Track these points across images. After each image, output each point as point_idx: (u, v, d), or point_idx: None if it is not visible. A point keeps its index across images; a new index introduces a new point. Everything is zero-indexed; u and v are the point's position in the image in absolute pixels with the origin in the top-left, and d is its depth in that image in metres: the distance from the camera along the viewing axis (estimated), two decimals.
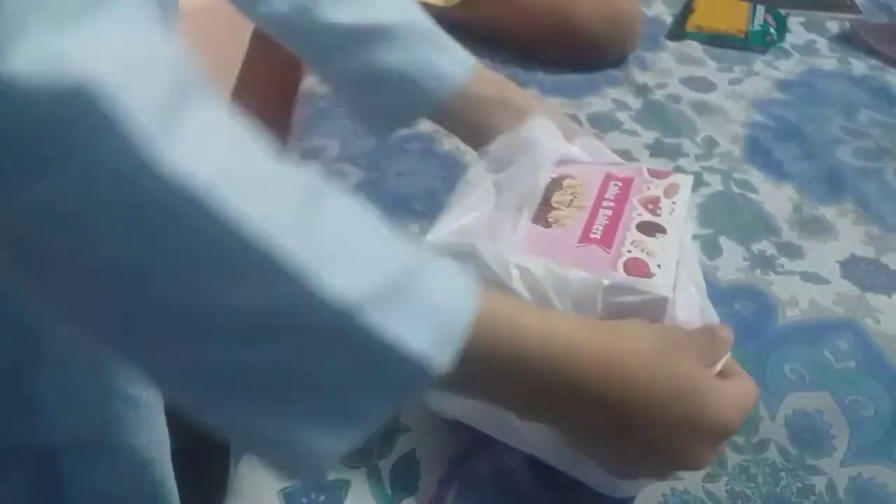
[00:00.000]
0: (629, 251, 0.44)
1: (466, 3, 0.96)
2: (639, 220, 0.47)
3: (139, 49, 0.27)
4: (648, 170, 0.52)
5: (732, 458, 0.50)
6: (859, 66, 1.00)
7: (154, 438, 0.57)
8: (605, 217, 0.47)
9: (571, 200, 0.48)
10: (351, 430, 0.31)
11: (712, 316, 0.48)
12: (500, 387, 0.36)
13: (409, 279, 0.31)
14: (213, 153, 0.28)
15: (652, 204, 0.48)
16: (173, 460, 0.59)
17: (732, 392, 0.41)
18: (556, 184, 0.50)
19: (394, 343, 0.29)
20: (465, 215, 0.46)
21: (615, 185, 0.50)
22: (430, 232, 0.46)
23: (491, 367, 0.34)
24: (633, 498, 0.48)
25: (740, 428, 0.41)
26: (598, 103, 0.89)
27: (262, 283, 0.28)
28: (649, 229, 0.46)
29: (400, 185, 0.73)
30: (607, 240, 0.45)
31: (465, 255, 0.42)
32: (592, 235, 0.46)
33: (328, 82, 0.58)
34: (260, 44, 1.22)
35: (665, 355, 0.38)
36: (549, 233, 0.46)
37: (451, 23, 1.00)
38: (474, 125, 0.57)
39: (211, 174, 0.27)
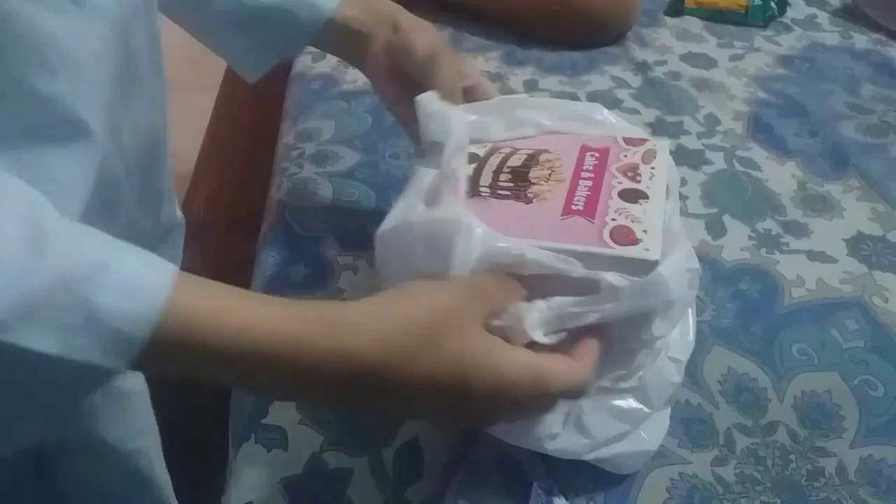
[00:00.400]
0: (613, 219, 0.44)
1: None
2: (620, 188, 0.47)
3: None
4: (623, 138, 0.51)
5: (741, 441, 0.50)
6: (861, 39, 0.99)
7: (137, 429, 0.56)
8: (586, 188, 0.47)
9: (550, 174, 0.48)
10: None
11: (694, 273, 0.47)
12: (207, 373, 0.34)
13: (62, 294, 0.30)
14: None
15: (631, 171, 0.48)
16: (167, 450, 0.58)
17: (517, 360, 0.38)
18: (532, 159, 0.49)
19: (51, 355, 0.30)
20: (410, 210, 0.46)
21: (592, 155, 0.50)
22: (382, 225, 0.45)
23: (188, 357, 0.33)
24: (636, 473, 0.47)
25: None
26: (598, 81, 0.87)
27: None
28: (631, 196, 0.46)
29: (395, 167, 0.71)
30: (590, 210, 0.45)
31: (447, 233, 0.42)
32: (575, 207, 0.45)
33: (198, 28, 0.57)
34: None
35: (418, 344, 0.36)
36: (531, 208, 0.45)
37: (449, 2, 0.99)
38: (347, 48, 0.57)
39: None
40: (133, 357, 0.31)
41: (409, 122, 0.56)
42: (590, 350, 0.40)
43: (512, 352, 0.38)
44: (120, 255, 0.32)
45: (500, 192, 0.46)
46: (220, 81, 1.06)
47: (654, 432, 0.48)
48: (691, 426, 0.50)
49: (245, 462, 0.47)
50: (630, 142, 0.51)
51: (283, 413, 0.49)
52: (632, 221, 0.44)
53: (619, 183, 0.47)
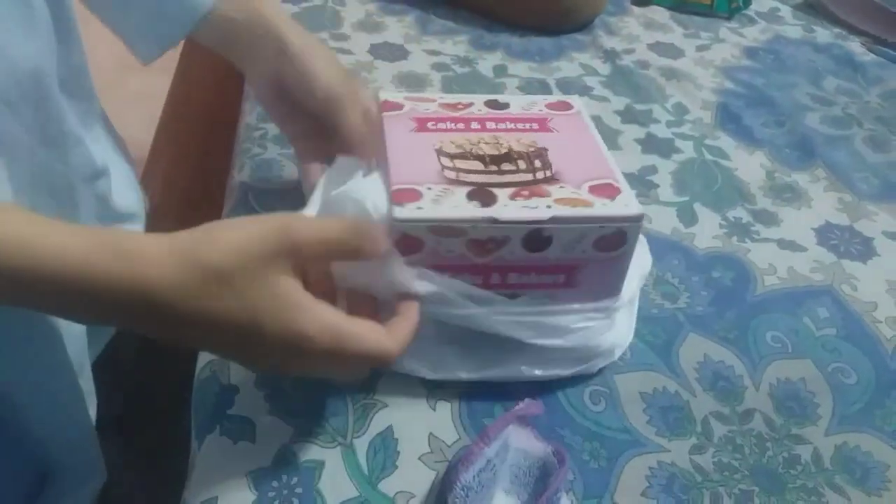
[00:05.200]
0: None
1: None
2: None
3: None
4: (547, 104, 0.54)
5: (718, 429, 0.49)
6: (823, 33, 1.00)
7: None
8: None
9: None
10: None
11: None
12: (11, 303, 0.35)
13: None
14: None
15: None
16: (128, 442, 0.55)
17: (313, 321, 0.37)
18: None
19: None
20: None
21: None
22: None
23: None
24: (615, 462, 0.47)
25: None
26: (567, 68, 0.86)
27: None
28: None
29: None
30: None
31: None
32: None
33: (87, 3, 0.54)
34: None
35: (221, 282, 0.36)
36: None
37: None
38: (230, 50, 0.55)
39: None
40: None
41: (298, 138, 0.56)
42: (405, 323, 0.41)
43: (313, 309, 0.38)
44: None
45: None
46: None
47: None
48: (669, 413, 0.49)
49: (209, 454, 0.45)
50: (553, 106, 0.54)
51: (250, 403, 0.47)
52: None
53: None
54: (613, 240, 0.45)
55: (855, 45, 0.98)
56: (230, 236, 0.37)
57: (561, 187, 0.45)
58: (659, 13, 1.01)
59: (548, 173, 0.46)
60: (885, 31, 0.99)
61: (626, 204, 0.44)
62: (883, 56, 0.96)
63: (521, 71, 0.85)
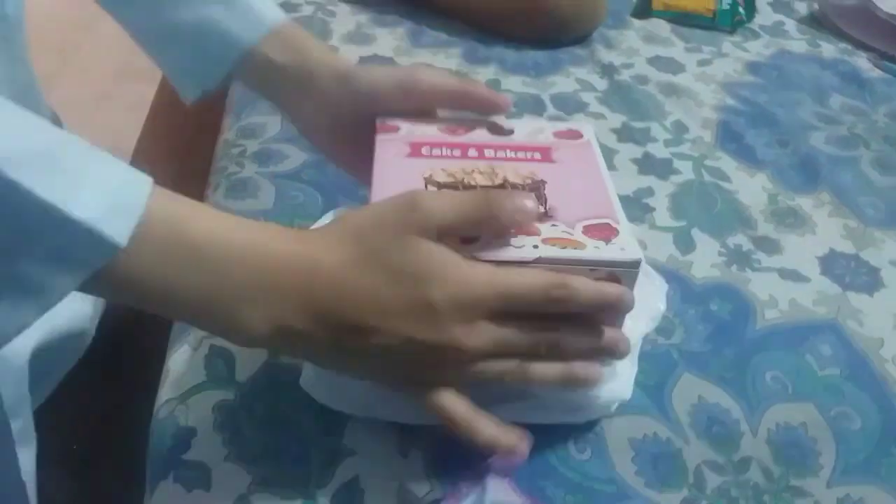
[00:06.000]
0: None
1: None
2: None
3: None
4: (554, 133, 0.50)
5: (712, 480, 0.46)
6: (829, 48, 0.97)
7: None
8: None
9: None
10: (27, 303, 0.31)
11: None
12: (181, 278, 0.34)
13: (66, 150, 0.31)
14: None
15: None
16: (81, 488, 0.52)
17: (477, 272, 0.37)
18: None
19: (50, 204, 0.29)
20: None
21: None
22: None
23: (169, 250, 0.33)
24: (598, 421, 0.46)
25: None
26: (562, 83, 0.83)
27: None
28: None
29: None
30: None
31: None
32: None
33: (131, 35, 0.54)
34: None
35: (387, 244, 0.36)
36: None
37: None
38: (273, 93, 0.54)
39: None
40: (131, 224, 0.31)
41: (356, 167, 0.54)
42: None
43: (474, 264, 0.37)
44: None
45: None
46: None
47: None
48: (660, 462, 0.46)
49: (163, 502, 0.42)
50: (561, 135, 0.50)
51: (206, 448, 0.43)
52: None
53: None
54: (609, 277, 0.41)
55: (861, 61, 0.94)
56: (364, 213, 0.38)
57: (553, 225, 0.41)
58: (660, 26, 0.98)
59: (541, 209, 0.43)
60: (893, 46, 0.96)
61: (623, 248, 0.40)
62: (890, 72, 0.92)
63: (514, 86, 0.82)
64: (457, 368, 0.38)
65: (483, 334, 0.37)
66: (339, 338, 0.36)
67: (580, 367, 0.40)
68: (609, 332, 0.41)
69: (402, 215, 0.37)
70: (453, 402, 0.39)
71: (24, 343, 0.51)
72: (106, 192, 0.31)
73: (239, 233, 0.35)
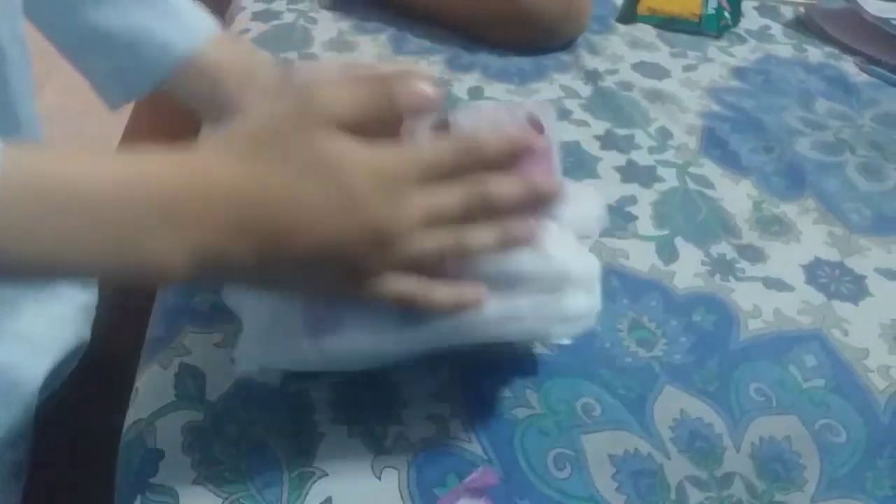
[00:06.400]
0: None
1: None
2: None
3: None
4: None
5: (694, 496, 0.45)
6: (815, 53, 0.96)
7: None
8: None
9: None
10: None
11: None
12: (69, 233, 0.31)
13: None
14: None
15: None
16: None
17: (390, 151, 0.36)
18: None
19: None
20: None
21: None
22: None
23: (46, 207, 0.31)
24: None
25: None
26: (546, 90, 0.82)
27: None
28: None
29: None
30: None
31: None
32: None
33: (52, 42, 0.53)
34: None
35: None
36: None
37: (389, 0, 0.93)
38: (208, 97, 0.52)
39: None
40: None
41: None
42: None
43: (382, 146, 0.36)
44: None
45: None
46: None
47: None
48: (640, 479, 0.45)
49: None
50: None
51: (176, 470, 0.42)
52: None
53: None
54: None
55: (848, 65, 0.94)
56: (263, 110, 0.36)
57: None
58: (645, 31, 0.97)
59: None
60: (880, 50, 0.95)
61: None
62: (877, 76, 0.92)
63: (498, 93, 0.81)
64: (393, 252, 0.36)
65: (410, 206, 0.36)
66: (264, 249, 0.34)
67: (517, 226, 0.38)
68: (537, 181, 0.39)
69: (298, 114, 0.35)
70: (401, 282, 0.37)
71: (35, 372, 0.50)
72: None
73: (129, 168, 0.33)
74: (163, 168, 0.33)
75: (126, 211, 0.32)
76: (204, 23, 0.53)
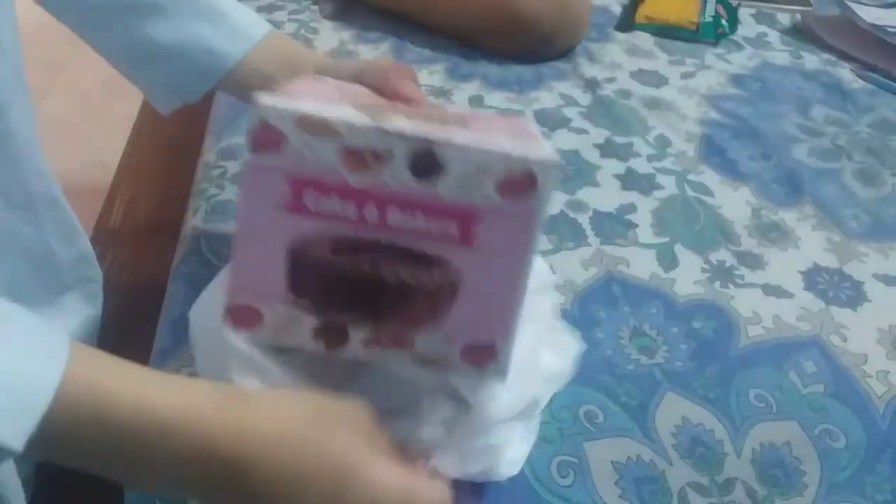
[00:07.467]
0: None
1: None
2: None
3: None
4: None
5: (696, 502, 0.45)
6: (811, 59, 0.97)
7: None
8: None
9: None
10: None
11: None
12: (98, 461, 0.32)
13: None
14: None
15: None
16: None
17: (392, 480, 0.35)
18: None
19: None
20: None
21: None
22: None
23: (77, 439, 0.31)
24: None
25: None
26: (546, 98, 0.83)
27: None
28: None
29: None
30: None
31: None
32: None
33: (105, 55, 0.55)
34: None
35: (312, 429, 0.34)
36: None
37: (389, 10, 0.94)
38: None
39: None
40: (32, 426, 0.29)
41: None
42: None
43: (390, 468, 0.35)
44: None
45: None
46: None
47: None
48: (643, 486, 0.46)
49: None
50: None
51: None
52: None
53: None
54: (521, 184, 0.36)
55: (844, 72, 0.95)
56: (310, 393, 0.36)
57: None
58: (643, 39, 0.98)
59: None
60: (875, 57, 0.96)
61: (542, 148, 0.37)
62: (873, 83, 0.93)
63: (497, 102, 0.82)
64: None
65: None
66: None
67: None
68: None
69: (363, 423, 0.36)
70: None
71: None
72: (2, 390, 0.29)
73: (162, 405, 0.33)
74: (213, 425, 0.33)
75: (162, 456, 0.32)
76: (252, 29, 0.55)
